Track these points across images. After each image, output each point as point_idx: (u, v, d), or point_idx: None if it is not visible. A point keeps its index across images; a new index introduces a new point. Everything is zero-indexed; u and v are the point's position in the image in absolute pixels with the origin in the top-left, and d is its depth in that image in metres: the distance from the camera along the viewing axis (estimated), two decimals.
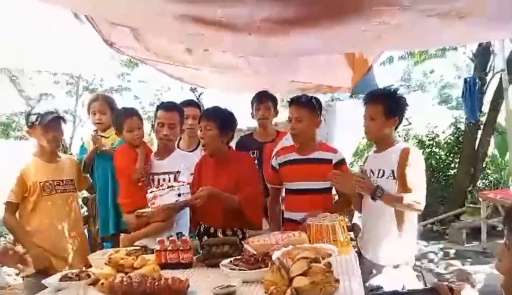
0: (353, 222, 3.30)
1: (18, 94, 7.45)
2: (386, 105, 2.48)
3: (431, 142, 7.94)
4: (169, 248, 2.26)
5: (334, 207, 2.74)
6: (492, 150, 7.85)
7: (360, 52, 3.31)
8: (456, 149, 7.68)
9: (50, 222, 2.83)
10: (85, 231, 3.17)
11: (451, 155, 7.78)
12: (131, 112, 2.94)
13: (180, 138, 3.49)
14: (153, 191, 2.49)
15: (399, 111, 2.54)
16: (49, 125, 2.83)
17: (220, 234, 2.59)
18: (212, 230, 2.64)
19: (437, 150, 7.91)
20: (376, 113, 2.49)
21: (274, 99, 3.47)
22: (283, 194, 2.99)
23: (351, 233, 2.96)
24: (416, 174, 2.42)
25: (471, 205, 6.49)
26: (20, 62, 4.23)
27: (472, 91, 6.20)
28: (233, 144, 3.23)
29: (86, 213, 3.30)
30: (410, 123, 7.25)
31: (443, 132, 8.13)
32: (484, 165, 7.52)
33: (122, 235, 2.78)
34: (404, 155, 2.44)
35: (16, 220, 2.83)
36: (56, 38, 3.45)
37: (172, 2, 1.94)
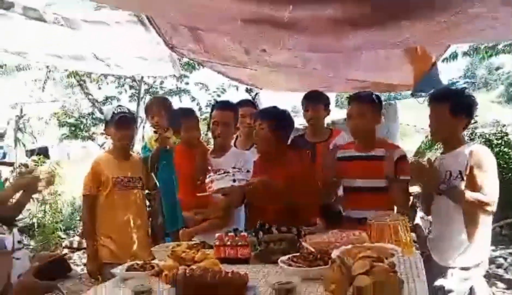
0: (415, 222, 3.19)
1: (85, 97, 7.93)
2: (453, 105, 2.39)
3: (499, 141, 7.48)
4: (228, 243, 2.30)
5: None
6: None
7: (422, 47, 3.17)
8: None
9: (119, 215, 3.02)
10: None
11: None
12: (188, 113, 3.05)
13: (237, 138, 3.56)
14: (210, 176, 2.60)
15: (467, 110, 2.44)
16: (120, 124, 3.02)
17: (275, 230, 2.60)
18: (267, 226, 2.66)
19: (506, 149, 7.43)
20: (442, 112, 2.41)
21: (324, 99, 3.40)
22: (341, 192, 2.93)
23: (413, 234, 2.86)
24: (487, 175, 2.32)
25: None
26: (88, 66, 4.49)
27: None
28: None
29: (149, 209, 3.43)
30: (476, 122, 6.87)
31: None
32: None
33: (181, 230, 2.88)
34: (474, 156, 2.34)
35: (90, 217, 3.03)
36: (122, 43, 3.62)
37: (240, 2, 1.96)
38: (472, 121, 2.72)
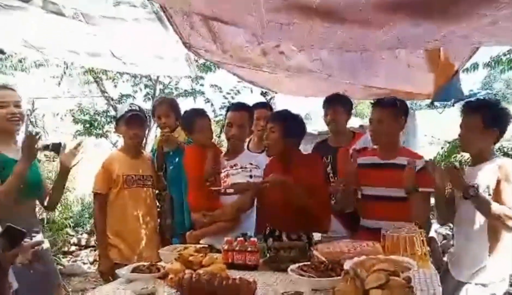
0: (430, 235, 3.08)
1: (101, 95, 7.95)
2: (486, 117, 2.33)
3: None
4: (237, 248, 2.24)
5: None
6: None
7: (446, 55, 3.08)
8: None
9: (128, 214, 2.99)
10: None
11: None
12: (201, 113, 3.02)
13: (250, 140, 3.51)
14: (226, 170, 2.54)
15: (500, 123, 2.37)
16: (131, 122, 2.98)
17: (285, 237, 2.55)
18: (277, 232, 2.59)
19: None
20: (475, 124, 2.35)
21: (346, 103, 3.31)
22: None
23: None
24: None
25: None
26: (105, 64, 4.49)
27: None
28: (309, 150, 3.17)
29: (158, 209, 3.38)
30: None
31: None
32: None
33: (188, 232, 2.84)
34: (503, 169, 2.28)
35: (101, 215, 3.00)
36: (138, 41, 3.60)
37: None
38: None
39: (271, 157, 2.84)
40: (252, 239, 2.29)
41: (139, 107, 3.18)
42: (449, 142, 5.82)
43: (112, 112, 7.55)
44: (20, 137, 2.60)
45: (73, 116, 7.75)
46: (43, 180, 2.64)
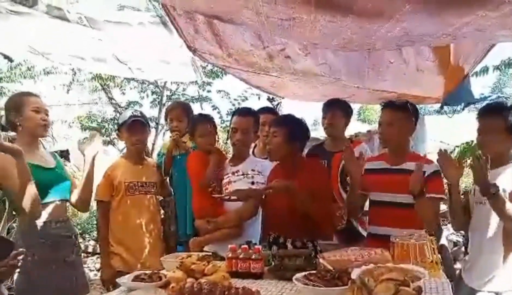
0: (440, 243, 3.00)
1: (108, 102, 7.98)
2: (508, 119, 2.27)
3: None
4: (241, 256, 2.17)
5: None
6: None
7: (456, 57, 3.00)
8: None
9: (131, 221, 2.93)
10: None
11: None
12: (205, 118, 2.99)
13: (255, 146, 3.46)
14: (228, 177, 2.49)
15: None
16: (133, 128, 2.95)
17: (289, 245, 2.48)
18: (281, 240, 2.53)
19: None
20: (496, 127, 2.29)
21: (343, 107, 3.28)
22: (367, 206, 2.78)
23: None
24: None
25: None
26: (110, 69, 4.48)
27: None
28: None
29: (162, 216, 3.33)
30: None
31: None
32: None
33: (191, 239, 2.78)
34: None
35: (104, 223, 2.96)
36: (144, 46, 3.59)
37: None
38: None
39: (275, 163, 2.80)
40: (256, 246, 2.22)
41: (141, 113, 3.16)
42: (458, 147, 5.70)
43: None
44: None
45: (81, 123, 7.78)
46: (69, 182, 2.66)
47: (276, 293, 1.91)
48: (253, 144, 3.35)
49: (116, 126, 7.61)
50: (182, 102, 3.94)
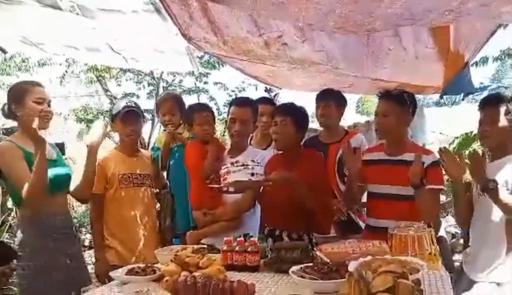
0: (439, 235, 2.95)
1: (104, 94, 7.90)
2: (510, 110, 2.24)
3: None
4: (236, 249, 2.13)
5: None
6: None
7: (456, 44, 2.92)
8: None
9: (125, 214, 2.88)
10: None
11: None
12: (203, 107, 2.94)
13: (252, 137, 3.40)
14: (227, 167, 2.42)
15: None
16: (126, 118, 2.89)
17: (285, 237, 2.44)
18: (277, 232, 2.48)
19: None
20: (498, 118, 2.25)
21: (337, 97, 3.24)
22: (365, 198, 2.73)
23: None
24: None
25: None
26: (105, 59, 4.41)
27: None
28: None
29: (158, 209, 3.28)
30: None
31: None
32: None
33: (188, 232, 2.73)
34: None
35: (98, 217, 2.92)
36: (138, 34, 3.50)
37: None
38: None
39: (274, 154, 2.75)
40: (252, 238, 2.18)
41: (135, 103, 3.08)
42: (457, 138, 5.67)
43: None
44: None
45: (76, 116, 7.70)
46: (70, 174, 2.62)
47: (272, 286, 1.88)
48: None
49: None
50: (174, 94, 3.84)
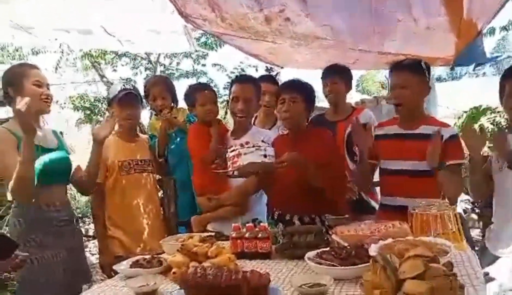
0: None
1: (100, 80, 7.71)
2: None
3: None
4: (246, 235, 2.00)
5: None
6: None
7: (469, 13, 2.75)
8: None
9: (127, 203, 2.76)
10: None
11: None
12: (205, 87, 2.80)
13: (256, 117, 3.26)
14: (235, 149, 2.24)
15: None
16: (124, 102, 2.75)
17: (296, 221, 2.31)
18: (288, 217, 2.36)
19: None
20: None
21: (345, 73, 3.12)
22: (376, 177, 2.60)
23: None
24: None
25: None
26: (99, 43, 4.25)
27: None
28: None
29: (161, 196, 3.16)
30: None
31: None
32: None
33: (193, 217, 2.62)
34: None
35: (99, 206, 2.80)
36: (132, 14, 3.35)
37: None
38: None
39: (281, 133, 2.61)
40: (261, 224, 2.05)
41: (133, 86, 2.93)
42: (466, 112, 5.54)
43: None
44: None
45: (73, 103, 7.54)
46: (70, 163, 2.50)
47: (287, 274, 1.76)
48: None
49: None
50: (163, 77, 3.67)
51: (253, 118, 3.12)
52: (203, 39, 6.83)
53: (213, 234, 2.19)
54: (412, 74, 2.31)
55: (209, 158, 2.56)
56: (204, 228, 2.57)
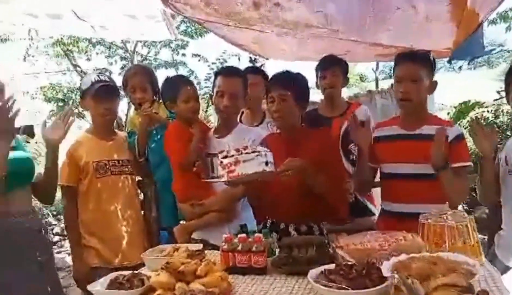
0: None
1: (73, 69, 7.29)
2: None
3: None
4: (239, 248, 1.78)
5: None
6: None
7: (473, 3, 2.57)
8: None
9: (104, 208, 2.52)
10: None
11: None
12: (187, 82, 2.54)
13: (242, 112, 3.03)
14: (232, 155, 1.93)
15: None
16: (100, 95, 2.47)
17: (292, 231, 2.09)
18: (282, 225, 2.13)
19: None
20: None
21: (343, 65, 2.91)
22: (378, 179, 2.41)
23: None
24: None
25: None
26: (69, 28, 3.91)
27: None
28: None
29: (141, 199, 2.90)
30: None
31: None
32: None
33: (175, 227, 2.39)
34: None
35: (72, 212, 2.54)
36: (110, 1, 3.06)
37: None
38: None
39: (271, 132, 2.38)
40: (256, 235, 1.83)
41: (108, 77, 2.64)
42: (455, 107, 5.47)
43: None
44: None
45: (44, 94, 7.10)
46: (33, 165, 2.22)
47: (285, 293, 1.55)
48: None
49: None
50: (143, 67, 3.36)
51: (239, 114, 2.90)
52: (182, 27, 6.52)
53: (201, 247, 1.94)
54: (422, 67, 2.11)
55: (189, 159, 2.32)
56: (189, 236, 2.35)
